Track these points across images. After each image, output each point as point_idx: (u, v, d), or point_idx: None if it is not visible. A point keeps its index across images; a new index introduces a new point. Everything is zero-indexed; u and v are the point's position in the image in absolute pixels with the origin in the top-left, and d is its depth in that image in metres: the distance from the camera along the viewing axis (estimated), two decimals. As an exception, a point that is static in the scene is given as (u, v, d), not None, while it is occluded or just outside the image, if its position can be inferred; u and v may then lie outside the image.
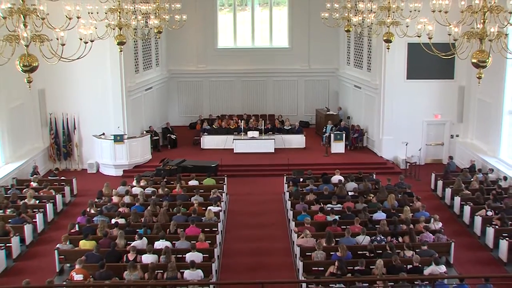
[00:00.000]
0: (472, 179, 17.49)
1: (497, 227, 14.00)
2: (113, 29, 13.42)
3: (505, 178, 17.48)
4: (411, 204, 15.27)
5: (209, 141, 22.96)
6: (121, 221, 14.02)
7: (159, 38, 23.66)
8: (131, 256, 11.85)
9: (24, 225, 14.33)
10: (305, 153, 22.30)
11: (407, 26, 13.24)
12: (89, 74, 20.21)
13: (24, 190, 16.85)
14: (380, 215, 14.25)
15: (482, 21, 8.60)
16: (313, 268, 11.88)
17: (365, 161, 21.30)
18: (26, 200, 15.87)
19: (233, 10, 27.23)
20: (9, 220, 14.40)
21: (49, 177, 18.82)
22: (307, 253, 12.41)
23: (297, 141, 23.00)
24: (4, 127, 18.63)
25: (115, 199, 15.80)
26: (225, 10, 27.49)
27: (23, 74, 8.35)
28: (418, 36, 10.32)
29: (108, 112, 20.86)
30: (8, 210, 15.14)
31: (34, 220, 15.08)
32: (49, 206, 16.09)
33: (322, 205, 15.01)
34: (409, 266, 11.52)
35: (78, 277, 11.06)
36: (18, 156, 19.38)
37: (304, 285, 11.30)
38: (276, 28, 27.43)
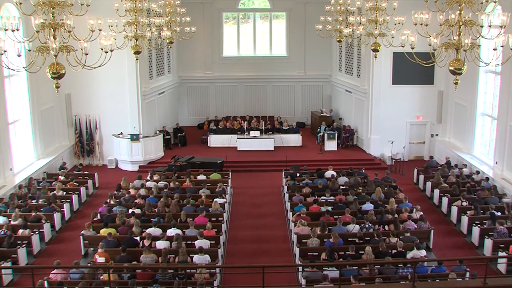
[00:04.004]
0: (449, 174, 17.55)
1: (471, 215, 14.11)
2: (130, 40, 13.48)
3: (478, 172, 17.55)
4: (395, 196, 15.33)
5: (215, 140, 22.96)
6: (137, 211, 14.07)
7: (170, 47, 23.91)
8: (146, 242, 11.92)
9: (54, 213, 14.47)
10: (301, 151, 22.30)
11: (392, 37, 13.26)
12: (109, 80, 20.24)
13: (53, 182, 16.93)
14: (368, 206, 14.25)
15: (458, 33, 8.69)
16: (309, 254, 11.90)
17: (355, 158, 21.28)
18: (55, 192, 15.99)
19: (237, 22, 27.21)
20: (41, 209, 14.54)
21: (74, 172, 18.88)
22: (303, 240, 12.44)
23: (294, 140, 23.01)
24: (36, 127, 18.72)
25: (132, 191, 15.83)
26: (229, 23, 27.46)
27: (52, 80, 8.47)
28: (402, 46, 10.40)
29: (126, 114, 20.87)
30: (40, 200, 15.30)
31: (62, 209, 15.21)
32: (74, 197, 16.20)
33: (316, 197, 15.03)
34: (393, 251, 11.59)
35: (100, 259, 11.17)
36: (48, 153, 19.47)
37: (300, 268, 11.33)
38: (275, 38, 27.39)
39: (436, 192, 16.45)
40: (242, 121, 24.14)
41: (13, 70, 8.91)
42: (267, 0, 26.76)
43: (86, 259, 12.64)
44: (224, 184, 16.71)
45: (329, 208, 14.14)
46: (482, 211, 14.14)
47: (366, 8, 13.89)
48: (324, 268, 10.63)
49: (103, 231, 12.68)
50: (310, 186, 16.21)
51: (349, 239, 12.35)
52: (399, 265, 10.74)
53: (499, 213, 13.89)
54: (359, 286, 9.99)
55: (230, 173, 18.42)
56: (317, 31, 18.17)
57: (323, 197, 15.06)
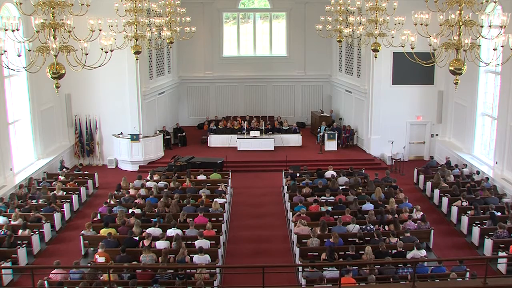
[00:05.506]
0: (446, 174, 17.52)
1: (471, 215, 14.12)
2: (130, 40, 13.49)
3: (478, 172, 17.55)
4: (395, 196, 15.30)
5: (215, 140, 22.97)
6: (137, 211, 14.08)
7: (170, 47, 23.92)
8: (146, 242, 11.92)
9: (54, 214, 14.48)
10: (302, 151, 22.30)
11: (392, 37, 13.28)
12: (109, 80, 20.25)
13: (54, 183, 16.93)
14: (368, 206, 14.25)
15: (458, 33, 8.70)
16: (309, 254, 11.92)
17: (355, 158, 21.28)
18: (55, 192, 16.00)
19: (237, 22, 27.22)
20: (41, 209, 14.54)
21: (75, 172, 18.89)
22: (303, 240, 12.44)
23: (294, 140, 23.01)
24: (36, 127, 18.73)
25: (132, 191, 15.84)
26: (229, 23, 27.47)
27: (52, 80, 8.47)
28: (402, 46, 10.41)
29: (126, 114, 20.87)
30: (40, 200, 15.32)
31: (62, 209, 15.22)
32: (74, 197, 16.20)
33: (316, 197, 15.02)
34: (393, 251, 11.59)
35: (101, 259, 11.18)
36: (48, 153, 19.47)
37: (300, 268, 11.34)
38: (276, 38, 27.40)
39: (436, 192, 16.45)
40: (242, 121, 24.15)
41: (13, 70, 8.91)
42: (267, 0, 26.78)
43: (86, 259, 12.64)
44: (224, 184, 16.71)
45: (329, 208, 14.14)
46: (482, 211, 14.14)
47: (366, 8, 13.89)
48: (324, 268, 10.62)
49: (103, 231, 12.68)
50: (310, 186, 16.20)
51: (349, 239, 12.35)
52: (399, 265, 10.72)
53: (499, 213, 13.89)
54: (359, 286, 9.99)
55: (230, 173, 18.41)
56: (317, 31, 18.19)
57: (323, 197, 15.06)
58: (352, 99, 23.69)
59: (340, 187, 16.08)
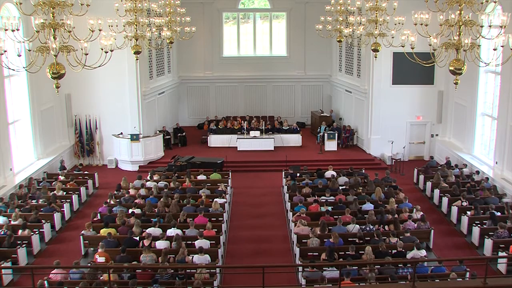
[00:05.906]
0: (447, 174, 17.53)
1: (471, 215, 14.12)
2: (130, 40, 13.50)
3: (478, 172, 17.56)
4: (395, 196, 15.29)
5: (215, 140, 22.97)
6: (137, 211, 14.07)
7: (170, 47, 23.92)
8: (146, 242, 11.92)
9: (54, 213, 14.47)
10: (302, 151, 22.30)
11: (392, 37, 13.29)
12: (109, 80, 20.25)
13: (54, 182, 16.93)
14: (368, 206, 14.24)
15: (458, 33, 8.70)
16: (309, 254, 11.91)
17: (355, 158, 21.27)
18: (55, 192, 15.99)
19: (237, 22, 27.23)
20: (41, 209, 14.53)
21: (75, 172, 18.88)
22: (303, 240, 12.43)
23: (294, 140, 23.01)
24: (36, 127, 18.73)
25: (132, 191, 15.83)
26: (229, 23, 27.46)
27: (52, 80, 8.48)
28: (402, 46, 10.42)
29: (126, 114, 20.87)
30: (40, 200, 15.31)
31: (62, 209, 15.21)
32: (74, 197, 16.19)
33: (316, 197, 15.03)
34: (393, 251, 11.58)
35: (101, 259, 11.18)
36: (48, 153, 19.47)
37: (300, 268, 11.33)
38: (276, 38, 27.39)
39: (436, 192, 16.45)
40: (242, 121, 24.14)
41: (13, 70, 8.91)
42: (267, 0, 26.78)
43: (86, 259, 12.64)
44: (224, 184, 16.70)
45: (329, 208, 14.14)
46: (482, 211, 14.14)
47: (366, 8, 13.90)
48: (324, 268, 10.62)
49: (103, 231, 12.67)
50: (310, 186, 16.19)
51: (349, 239, 12.34)
52: (399, 265, 10.72)
53: (499, 213, 13.89)
54: (359, 286, 9.99)
55: (230, 173, 18.40)
56: (317, 31, 18.21)
57: (323, 197, 15.05)
58: (352, 99, 23.68)
59: (340, 187, 16.07)
